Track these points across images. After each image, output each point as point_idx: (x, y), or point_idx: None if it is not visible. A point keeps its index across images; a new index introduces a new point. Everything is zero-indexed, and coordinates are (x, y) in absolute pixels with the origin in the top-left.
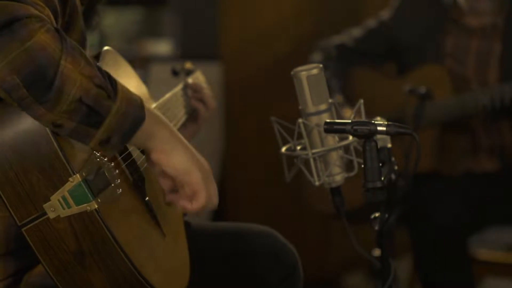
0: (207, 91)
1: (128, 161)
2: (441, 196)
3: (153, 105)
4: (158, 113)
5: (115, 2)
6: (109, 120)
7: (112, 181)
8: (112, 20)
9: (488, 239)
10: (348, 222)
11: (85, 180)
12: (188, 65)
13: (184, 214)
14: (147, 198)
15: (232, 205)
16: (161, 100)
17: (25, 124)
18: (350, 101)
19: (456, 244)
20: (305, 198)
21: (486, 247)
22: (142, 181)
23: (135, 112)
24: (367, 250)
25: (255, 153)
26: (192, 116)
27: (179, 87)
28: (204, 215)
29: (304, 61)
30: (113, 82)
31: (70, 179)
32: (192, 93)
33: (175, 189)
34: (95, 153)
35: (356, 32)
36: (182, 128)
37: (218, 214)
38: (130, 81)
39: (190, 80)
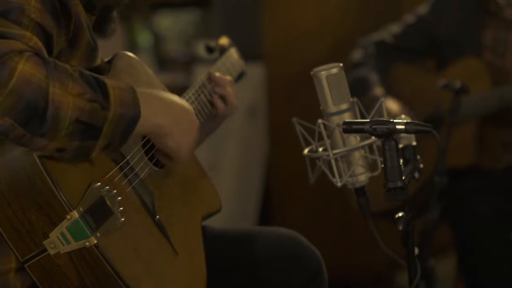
0: (229, 88)
1: (134, 183)
2: (482, 191)
3: None
4: (150, 93)
5: (167, 5)
6: (106, 128)
7: (114, 210)
8: (169, 22)
9: None
10: (388, 221)
11: (82, 216)
12: (223, 40)
13: (203, 219)
14: (157, 217)
15: (277, 206)
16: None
17: (18, 159)
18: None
19: (498, 240)
20: (348, 198)
21: None
22: (151, 199)
23: (131, 111)
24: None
25: (299, 154)
26: (210, 113)
27: (197, 83)
28: (250, 218)
29: (348, 59)
30: (102, 86)
31: (68, 216)
32: (215, 87)
33: None
34: (94, 183)
35: (395, 28)
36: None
37: (264, 214)
38: (144, 85)
39: (217, 73)
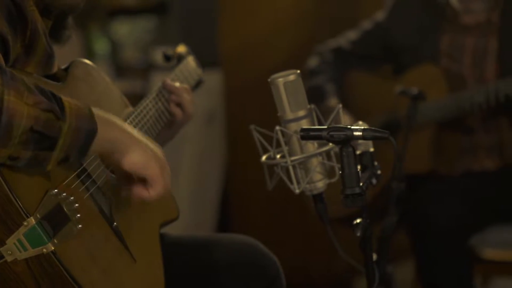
0: (186, 95)
1: (92, 190)
2: (440, 197)
3: (130, 111)
4: (109, 115)
5: (127, 11)
6: (62, 140)
7: (71, 217)
8: (126, 29)
9: (492, 238)
10: (346, 227)
11: (39, 222)
12: (181, 48)
13: (160, 227)
14: (115, 224)
15: (236, 212)
16: (139, 109)
17: None
18: (345, 104)
19: (457, 245)
20: (307, 205)
21: (490, 247)
22: (109, 207)
23: (87, 125)
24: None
25: (257, 160)
26: (168, 121)
27: (155, 90)
28: (209, 225)
29: (305, 64)
30: (59, 100)
31: (25, 222)
32: (170, 95)
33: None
34: (51, 190)
35: (352, 34)
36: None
37: (223, 221)
38: (101, 93)
39: (169, 80)
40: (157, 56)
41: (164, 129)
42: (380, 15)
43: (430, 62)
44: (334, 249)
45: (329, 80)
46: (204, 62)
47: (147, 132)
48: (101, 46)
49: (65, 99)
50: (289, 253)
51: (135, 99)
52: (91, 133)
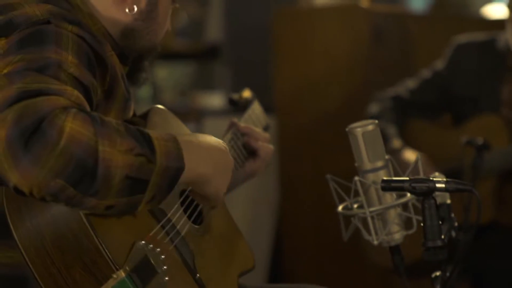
0: (262, 134)
1: (176, 241)
2: (502, 248)
3: None
4: (191, 140)
5: (167, 56)
6: (153, 181)
7: (158, 269)
8: (165, 73)
9: None
10: (407, 276)
11: (129, 275)
12: (246, 93)
13: (239, 276)
14: (198, 275)
15: (289, 259)
16: None
17: (63, 215)
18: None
19: None
20: (364, 252)
21: None
22: (192, 258)
23: (175, 164)
24: None
25: (310, 206)
26: (251, 156)
27: (229, 134)
28: (261, 271)
29: (358, 110)
30: (147, 139)
31: (114, 275)
32: (246, 137)
33: None
34: (138, 242)
35: (411, 83)
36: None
37: (275, 269)
38: None
39: (242, 123)
40: (207, 100)
41: (250, 162)
42: (439, 64)
43: (490, 111)
44: None
45: (390, 123)
46: None
47: None
48: (144, 89)
49: (153, 135)
50: None
51: None
52: (179, 170)
